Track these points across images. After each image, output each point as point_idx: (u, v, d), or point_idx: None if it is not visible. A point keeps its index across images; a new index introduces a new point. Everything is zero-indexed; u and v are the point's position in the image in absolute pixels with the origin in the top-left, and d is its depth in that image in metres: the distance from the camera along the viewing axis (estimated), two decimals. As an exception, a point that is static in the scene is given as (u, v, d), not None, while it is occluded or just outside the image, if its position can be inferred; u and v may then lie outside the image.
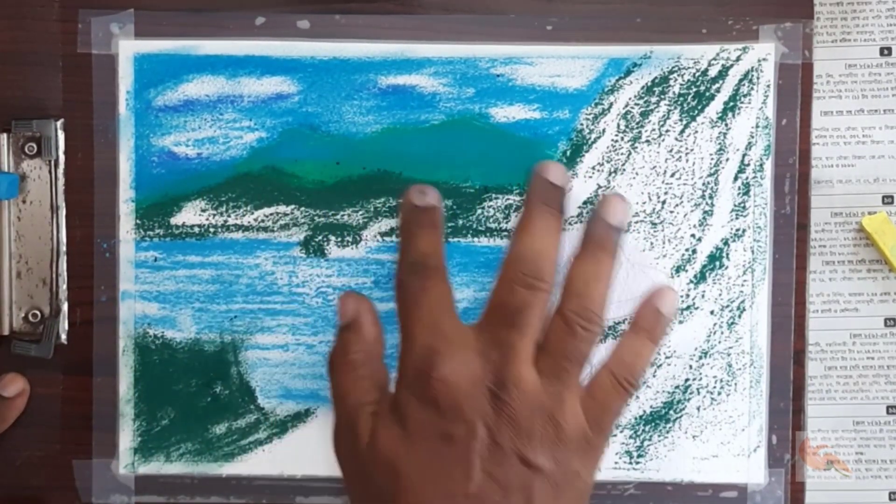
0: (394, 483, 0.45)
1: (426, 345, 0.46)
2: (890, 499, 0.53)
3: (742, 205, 0.52)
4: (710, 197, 0.52)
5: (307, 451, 0.52)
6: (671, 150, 0.52)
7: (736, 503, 0.52)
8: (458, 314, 0.47)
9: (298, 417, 0.52)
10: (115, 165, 0.52)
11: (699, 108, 0.52)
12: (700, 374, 0.52)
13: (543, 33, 0.51)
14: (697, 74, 0.51)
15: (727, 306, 0.52)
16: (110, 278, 0.52)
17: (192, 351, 0.52)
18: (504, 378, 0.45)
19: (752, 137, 0.52)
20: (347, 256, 0.52)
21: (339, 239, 0.52)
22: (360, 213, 0.52)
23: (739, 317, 0.52)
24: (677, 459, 0.52)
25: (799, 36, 0.51)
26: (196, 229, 0.52)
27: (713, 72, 0.51)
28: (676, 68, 0.51)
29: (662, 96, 0.51)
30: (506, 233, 0.52)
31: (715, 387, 0.52)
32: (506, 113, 0.51)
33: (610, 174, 0.51)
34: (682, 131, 0.52)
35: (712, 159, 0.52)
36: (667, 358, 0.52)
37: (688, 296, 0.52)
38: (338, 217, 0.52)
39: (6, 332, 0.51)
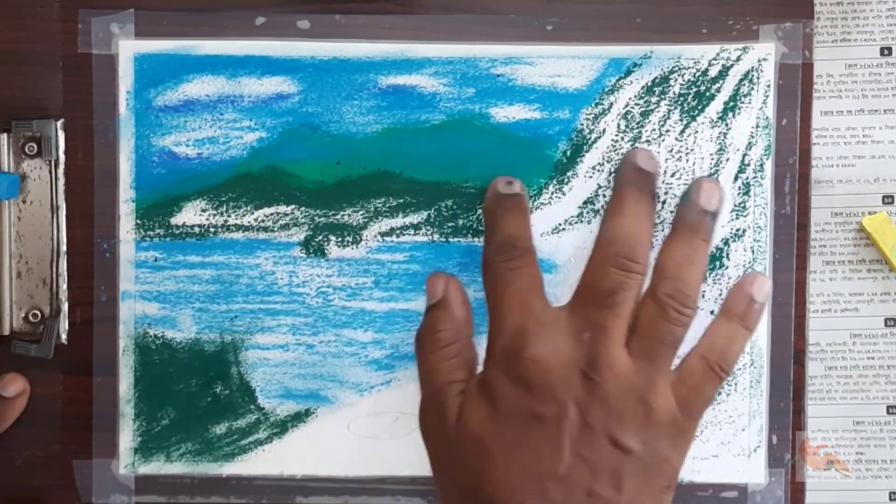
0: (483, 461, 0.45)
1: (517, 324, 0.46)
2: (890, 499, 0.53)
3: (742, 205, 0.52)
4: (711, 197, 0.52)
5: (307, 451, 0.52)
6: (671, 150, 0.51)
7: (736, 503, 0.52)
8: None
9: (298, 417, 0.52)
10: (115, 165, 0.52)
11: (699, 108, 0.51)
12: (700, 374, 0.52)
13: (543, 33, 0.51)
14: (697, 74, 0.51)
15: (727, 306, 0.52)
16: (110, 278, 0.52)
17: (192, 351, 0.52)
18: (596, 359, 0.45)
19: (753, 137, 0.52)
20: (348, 256, 0.52)
21: (340, 239, 0.52)
22: (361, 213, 0.52)
23: (740, 317, 0.52)
24: (677, 459, 0.52)
25: (799, 36, 0.51)
26: (196, 229, 0.52)
27: (713, 72, 0.51)
28: (676, 68, 0.51)
29: (663, 96, 0.51)
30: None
31: (715, 387, 0.52)
32: (506, 113, 0.51)
33: (610, 174, 0.51)
34: (683, 131, 0.52)
35: (712, 159, 0.52)
36: (667, 358, 0.52)
37: (688, 296, 0.52)
38: (338, 217, 0.52)
39: (6, 332, 0.51)
